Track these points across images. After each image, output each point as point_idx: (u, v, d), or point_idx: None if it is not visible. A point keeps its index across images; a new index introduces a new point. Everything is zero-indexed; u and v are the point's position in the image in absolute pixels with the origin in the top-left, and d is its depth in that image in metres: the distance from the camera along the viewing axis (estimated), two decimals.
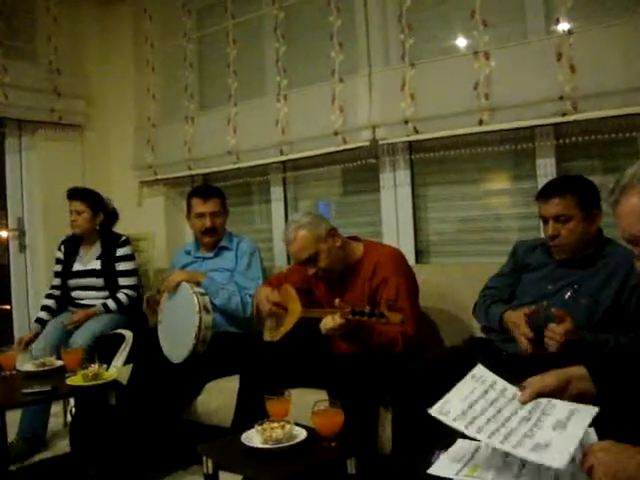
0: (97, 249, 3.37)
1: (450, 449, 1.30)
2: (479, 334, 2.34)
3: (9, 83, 3.68)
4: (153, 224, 4.05)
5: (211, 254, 3.08)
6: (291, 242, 2.43)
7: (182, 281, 2.78)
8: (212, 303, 2.72)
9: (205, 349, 2.63)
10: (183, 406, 2.64)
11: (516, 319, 1.97)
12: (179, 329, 2.70)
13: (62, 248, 3.45)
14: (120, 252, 3.33)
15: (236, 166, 3.60)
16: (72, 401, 2.91)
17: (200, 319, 2.60)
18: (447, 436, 1.38)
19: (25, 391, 2.31)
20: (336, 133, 3.13)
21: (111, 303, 3.24)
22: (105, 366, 2.49)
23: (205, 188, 3.23)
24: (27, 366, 2.63)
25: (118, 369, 2.68)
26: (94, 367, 2.41)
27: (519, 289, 2.23)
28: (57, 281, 3.44)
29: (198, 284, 2.78)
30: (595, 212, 2.03)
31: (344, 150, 3.15)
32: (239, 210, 3.92)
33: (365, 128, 3.03)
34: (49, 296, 3.42)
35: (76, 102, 4.08)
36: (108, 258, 3.32)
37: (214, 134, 3.67)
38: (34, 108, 3.85)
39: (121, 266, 3.32)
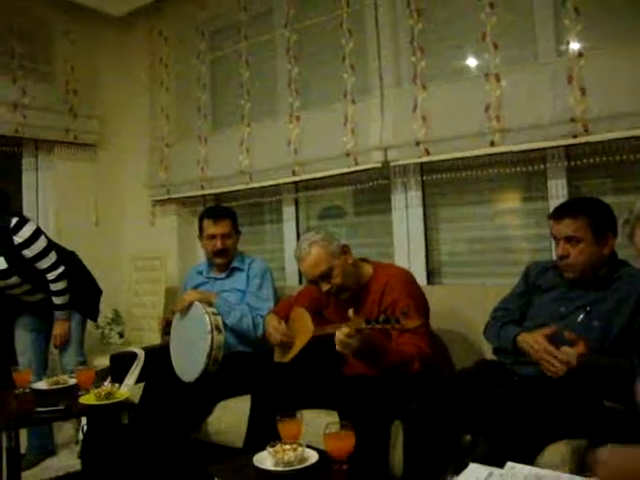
0: None
1: (462, 473, 1.30)
2: (490, 356, 2.33)
3: (27, 104, 3.76)
4: (166, 243, 4.09)
5: (223, 275, 3.10)
6: (304, 258, 2.43)
7: (194, 301, 2.80)
8: (224, 323, 2.73)
9: (217, 369, 2.64)
10: (194, 425, 2.63)
11: (535, 343, 1.93)
12: (191, 348, 2.70)
13: None
14: (18, 239, 2.85)
15: (249, 186, 3.63)
16: (84, 419, 2.91)
17: (212, 339, 2.61)
18: (459, 460, 1.37)
19: (39, 409, 2.32)
20: (348, 154, 3.15)
21: (55, 300, 3.02)
22: (118, 385, 2.50)
23: (216, 209, 3.26)
24: (40, 384, 2.64)
25: (130, 388, 2.68)
26: (107, 386, 2.42)
27: (531, 311, 2.22)
28: None
29: (210, 304, 2.79)
30: (608, 236, 2.03)
31: (356, 171, 3.17)
32: (251, 230, 3.94)
33: (377, 149, 3.04)
34: None
35: (91, 122, 4.16)
36: (9, 251, 2.86)
37: (227, 154, 3.70)
38: (50, 128, 3.92)
39: (28, 252, 2.89)
